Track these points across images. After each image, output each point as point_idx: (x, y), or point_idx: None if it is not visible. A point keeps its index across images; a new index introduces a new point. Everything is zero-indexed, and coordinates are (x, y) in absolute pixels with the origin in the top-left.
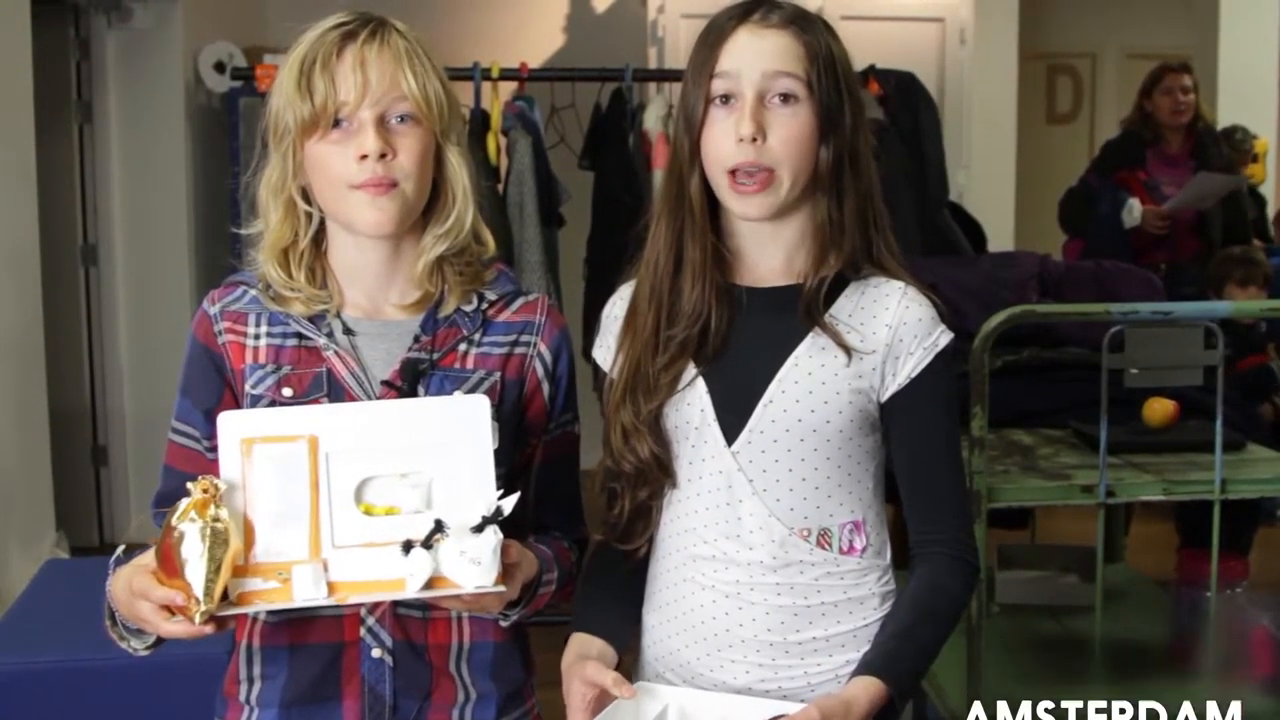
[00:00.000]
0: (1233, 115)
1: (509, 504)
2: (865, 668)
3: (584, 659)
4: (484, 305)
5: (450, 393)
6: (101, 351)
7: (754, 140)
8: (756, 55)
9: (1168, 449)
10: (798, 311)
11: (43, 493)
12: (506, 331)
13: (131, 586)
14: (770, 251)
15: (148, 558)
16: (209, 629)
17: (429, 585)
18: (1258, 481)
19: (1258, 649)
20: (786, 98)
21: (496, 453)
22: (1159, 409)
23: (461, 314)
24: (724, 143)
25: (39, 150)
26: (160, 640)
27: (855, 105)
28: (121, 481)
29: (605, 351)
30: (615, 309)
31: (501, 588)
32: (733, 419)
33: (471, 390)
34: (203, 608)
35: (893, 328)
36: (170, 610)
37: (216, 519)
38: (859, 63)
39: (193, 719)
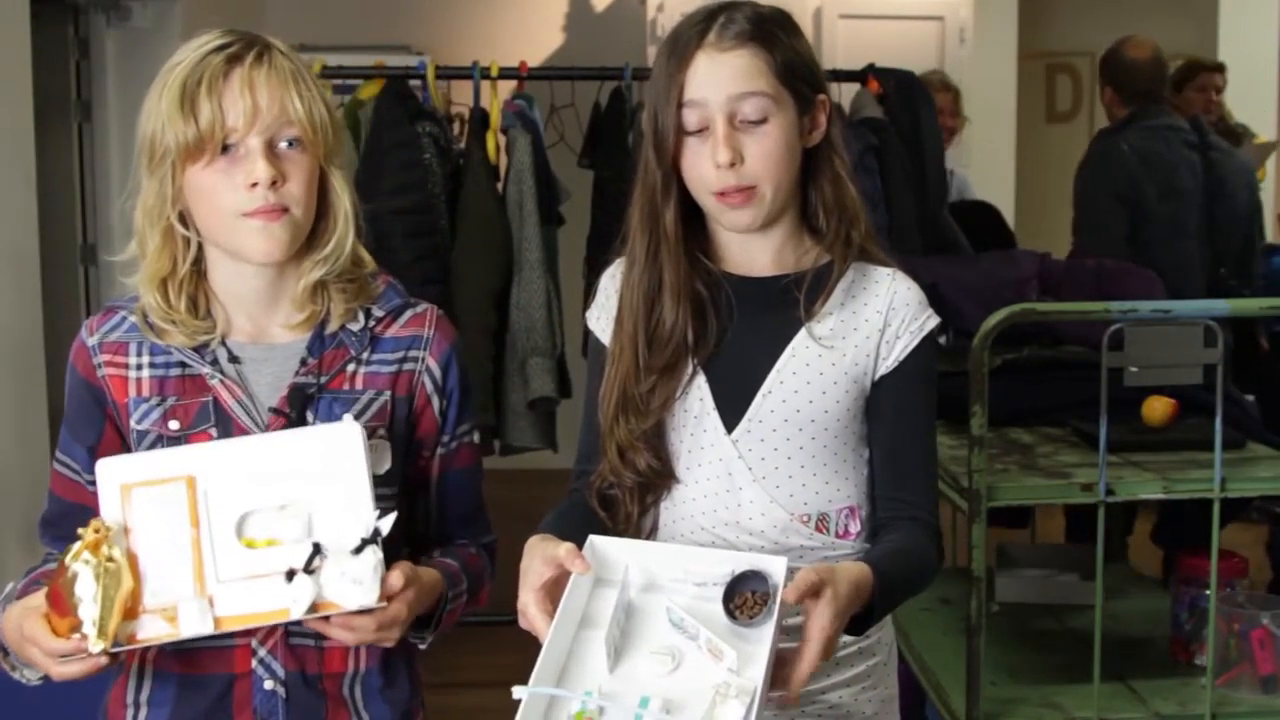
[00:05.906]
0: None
1: (387, 523)
2: (861, 558)
3: (545, 540)
4: (371, 322)
5: (340, 415)
6: None
7: (731, 165)
8: (719, 80)
9: (1167, 447)
10: (792, 303)
11: (42, 493)
12: (394, 348)
13: (22, 631)
14: (760, 248)
15: (37, 599)
16: (103, 663)
17: (313, 609)
18: (1258, 480)
19: (1258, 649)
20: (756, 118)
21: (389, 472)
22: (1158, 407)
23: (348, 333)
24: (704, 170)
25: (38, 150)
26: None
27: (825, 100)
28: None
29: (604, 322)
30: (615, 282)
31: (384, 604)
32: (732, 408)
33: (361, 411)
34: (98, 645)
35: (883, 313)
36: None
37: (110, 558)
38: (859, 62)
39: None
